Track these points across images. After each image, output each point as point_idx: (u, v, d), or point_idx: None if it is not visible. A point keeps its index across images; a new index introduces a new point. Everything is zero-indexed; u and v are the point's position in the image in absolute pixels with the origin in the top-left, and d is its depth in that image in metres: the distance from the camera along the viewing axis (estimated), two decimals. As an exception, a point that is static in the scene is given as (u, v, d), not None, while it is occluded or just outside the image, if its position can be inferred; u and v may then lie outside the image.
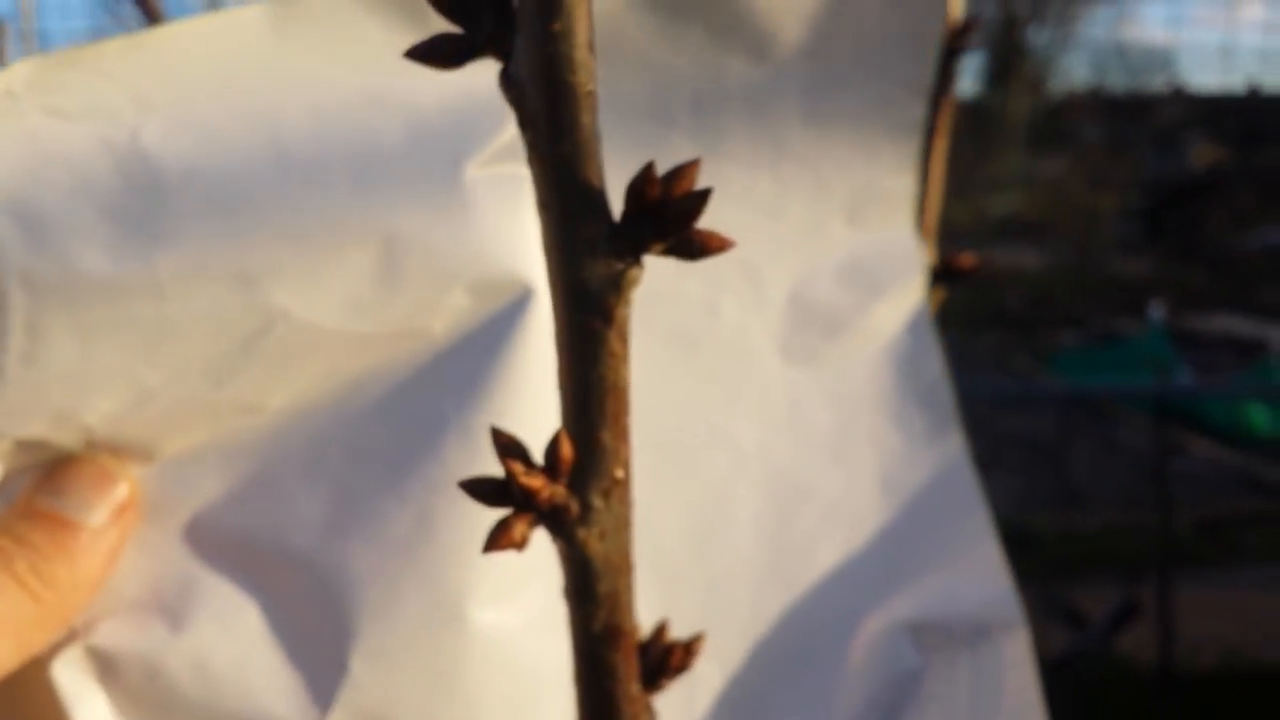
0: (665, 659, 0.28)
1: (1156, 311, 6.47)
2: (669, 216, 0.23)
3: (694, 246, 0.23)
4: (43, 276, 0.31)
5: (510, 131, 0.37)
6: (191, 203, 0.33)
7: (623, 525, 0.25)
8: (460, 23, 0.23)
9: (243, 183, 0.34)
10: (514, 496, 0.24)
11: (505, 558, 0.36)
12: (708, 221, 0.45)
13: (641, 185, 0.23)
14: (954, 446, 0.48)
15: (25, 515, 0.34)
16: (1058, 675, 2.88)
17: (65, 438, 0.34)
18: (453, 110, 0.36)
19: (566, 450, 0.24)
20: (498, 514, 0.37)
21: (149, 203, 0.33)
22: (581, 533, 0.25)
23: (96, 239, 0.32)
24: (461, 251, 0.36)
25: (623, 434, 0.25)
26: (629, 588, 0.26)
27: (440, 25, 0.36)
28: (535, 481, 0.23)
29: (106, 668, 0.35)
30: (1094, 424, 4.97)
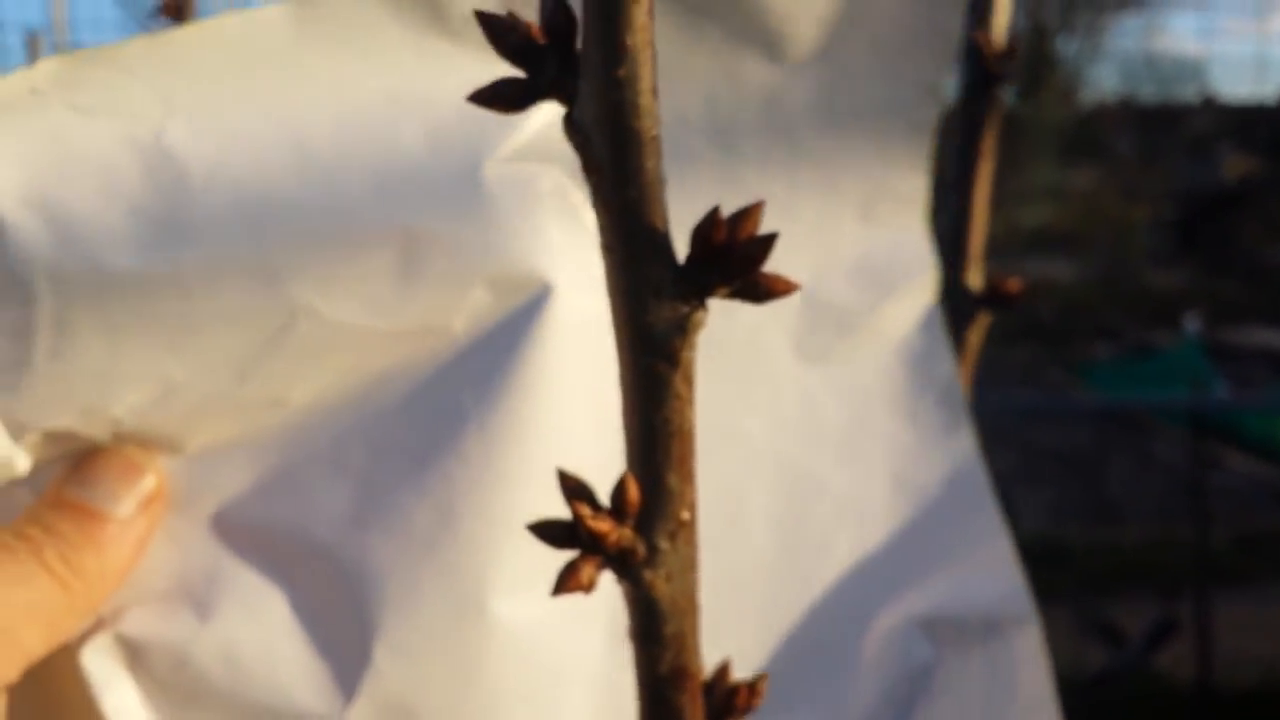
0: (730, 700, 0.28)
1: (1191, 324, 6.41)
2: (734, 260, 0.23)
3: (759, 290, 0.23)
4: (70, 273, 0.32)
5: (528, 129, 0.38)
6: (215, 200, 0.34)
7: (689, 567, 0.25)
8: (524, 67, 0.23)
9: (265, 181, 0.34)
10: (581, 539, 0.24)
11: (525, 546, 0.36)
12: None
13: (708, 229, 0.23)
14: (965, 444, 0.48)
15: (54, 505, 0.35)
16: (1095, 692, 2.85)
17: (93, 430, 0.34)
18: (471, 109, 0.37)
19: (633, 493, 0.24)
20: (519, 504, 0.37)
21: (173, 200, 0.33)
22: (648, 575, 0.25)
23: (122, 236, 0.33)
24: (481, 248, 0.36)
25: (688, 476, 0.25)
26: (695, 629, 0.26)
27: (462, 25, 0.37)
28: (603, 525, 0.23)
29: (135, 656, 0.35)
30: (1129, 438, 4.92)
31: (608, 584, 0.39)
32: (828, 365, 0.46)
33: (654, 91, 0.22)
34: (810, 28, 0.43)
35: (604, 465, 0.40)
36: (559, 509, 0.38)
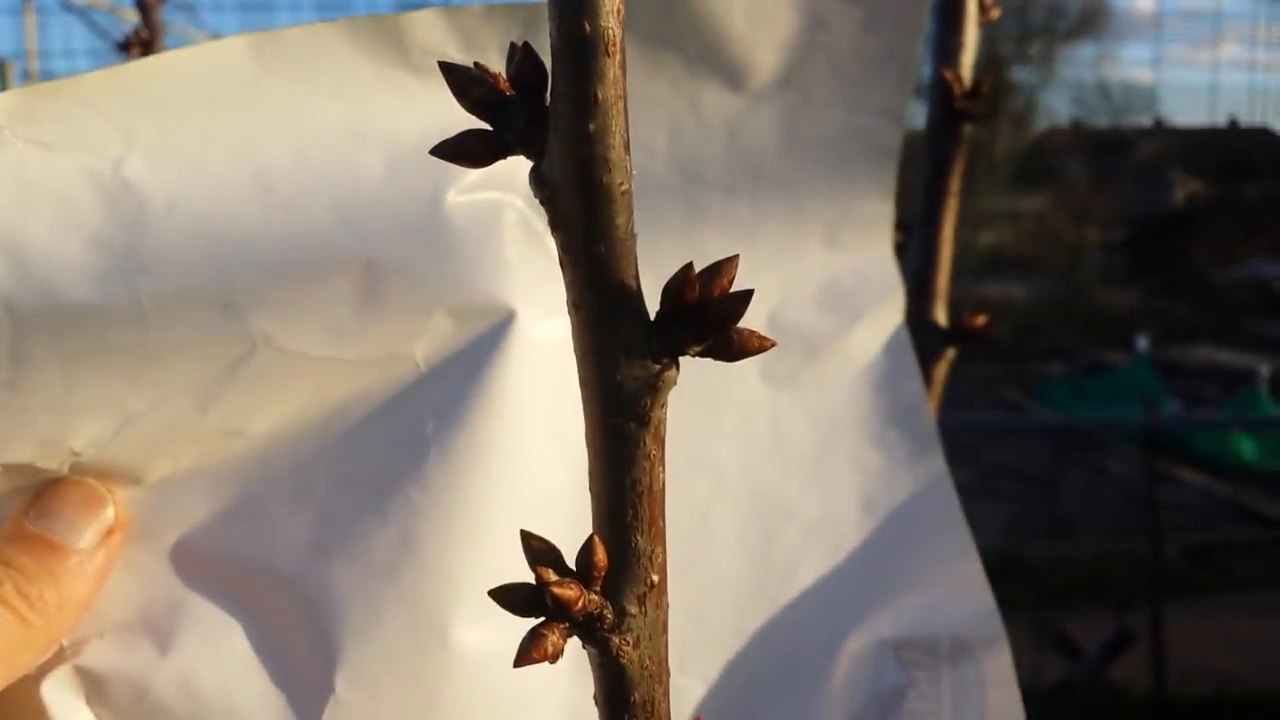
0: (699, 765, 0.27)
1: (1143, 343, 6.50)
2: (708, 318, 0.22)
3: (732, 348, 0.22)
4: (27, 304, 0.32)
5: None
6: (174, 231, 0.33)
7: (658, 631, 0.25)
8: (490, 120, 0.22)
9: (225, 211, 0.34)
10: (547, 607, 0.23)
11: (486, 575, 0.36)
12: (686, 246, 0.44)
13: (679, 286, 0.22)
14: (935, 465, 0.48)
15: (13, 538, 0.34)
16: (1052, 704, 2.87)
17: (51, 462, 0.34)
18: (433, 139, 0.37)
19: (600, 556, 0.23)
20: (481, 532, 0.37)
21: (132, 231, 0.33)
22: (616, 641, 0.24)
23: (80, 267, 0.32)
24: (442, 277, 0.36)
25: (658, 537, 0.24)
26: (665, 695, 0.25)
27: (422, 58, 0.37)
28: (569, 592, 0.22)
29: (95, 688, 0.35)
30: (1083, 454, 4.98)
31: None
32: (795, 390, 0.46)
33: (626, 146, 0.21)
34: (771, 56, 0.43)
35: (567, 495, 0.39)
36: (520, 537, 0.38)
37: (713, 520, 0.44)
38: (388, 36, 0.36)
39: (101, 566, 0.35)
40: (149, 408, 0.34)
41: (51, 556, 0.34)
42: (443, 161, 0.37)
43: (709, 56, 0.42)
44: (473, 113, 0.22)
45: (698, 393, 0.42)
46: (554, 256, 0.40)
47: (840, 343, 0.47)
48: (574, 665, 0.39)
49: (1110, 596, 3.43)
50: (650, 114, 0.42)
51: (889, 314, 0.48)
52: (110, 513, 0.35)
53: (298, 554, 0.36)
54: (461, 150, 0.22)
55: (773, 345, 0.23)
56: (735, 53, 0.42)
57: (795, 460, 0.46)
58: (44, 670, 0.35)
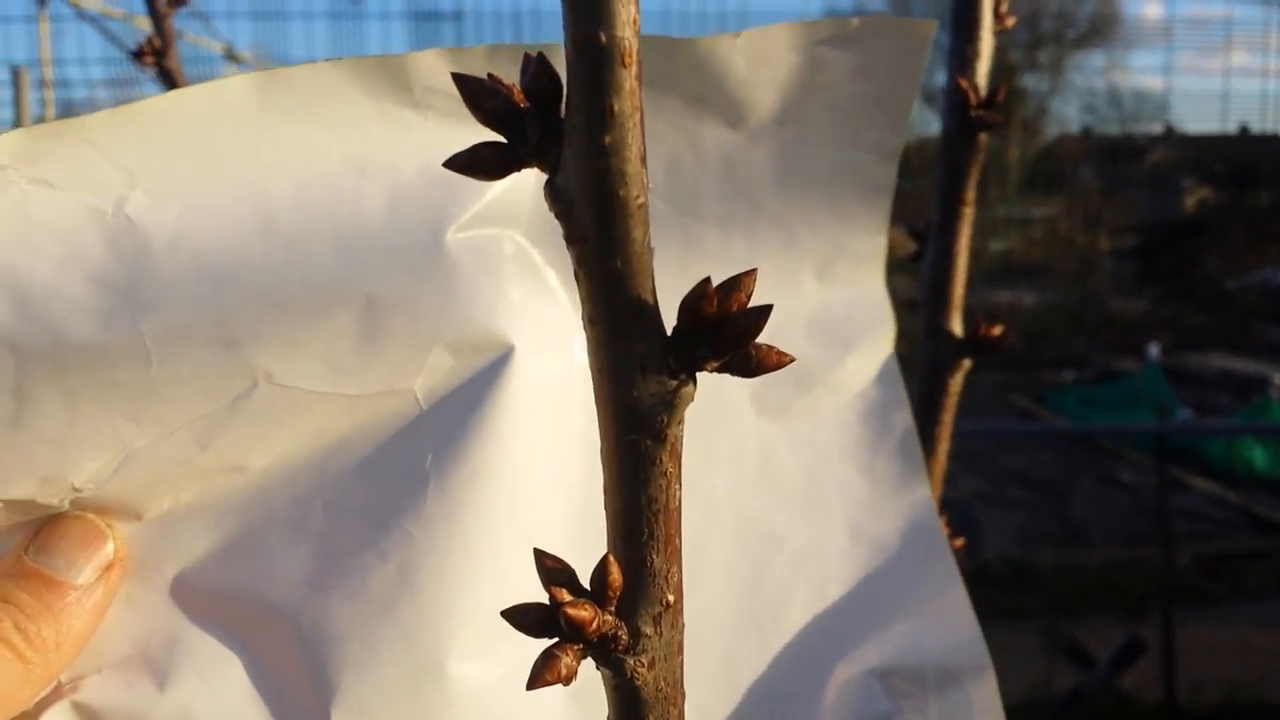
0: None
1: (1154, 350, 6.47)
2: (726, 334, 0.21)
3: (750, 363, 0.22)
4: (29, 342, 0.32)
5: (490, 194, 0.38)
6: (176, 269, 0.33)
7: (673, 652, 0.24)
8: (504, 133, 0.22)
9: (227, 248, 0.34)
10: (560, 627, 0.22)
11: (484, 609, 0.36)
12: (683, 279, 0.44)
13: (697, 300, 0.21)
14: (921, 494, 0.48)
15: (12, 575, 0.34)
16: (1063, 713, 2.85)
17: (52, 498, 0.34)
18: (434, 175, 0.37)
19: (615, 576, 0.23)
20: (479, 566, 0.37)
21: (135, 269, 0.33)
22: (630, 662, 0.23)
23: (83, 305, 0.32)
24: (443, 312, 0.37)
25: (674, 556, 0.23)
26: (680, 718, 0.25)
27: (424, 95, 0.37)
28: (584, 613, 0.22)
29: None
30: (1094, 462, 4.96)
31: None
32: (787, 420, 0.46)
33: (642, 158, 0.21)
34: (769, 96, 0.43)
35: (564, 529, 0.39)
36: (520, 571, 0.37)
37: (705, 549, 0.44)
38: (391, 76, 0.37)
39: (100, 602, 0.35)
40: (150, 443, 0.34)
41: (50, 592, 0.34)
42: (443, 197, 0.38)
43: (709, 96, 0.42)
44: (487, 125, 0.22)
45: (690, 421, 0.43)
46: (554, 291, 0.41)
47: (831, 374, 0.47)
48: (569, 696, 0.39)
49: (1121, 605, 3.41)
50: (649, 149, 0.43)
51: (880, 345, 0.48)
52: (110, 548, 0.35)
53: (296, 589, 0.36)
54: (476, 162, 0.22)
55: (791, 361, 0.22)
56: (735, 93, 0.43)
57: (785, 490, 0.46)
58: (42, 706, 0.35)
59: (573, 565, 0.39)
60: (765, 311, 0.21)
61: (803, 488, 0.46)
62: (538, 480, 0.39)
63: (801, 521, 0.46)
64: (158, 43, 0.79)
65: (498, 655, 0.37)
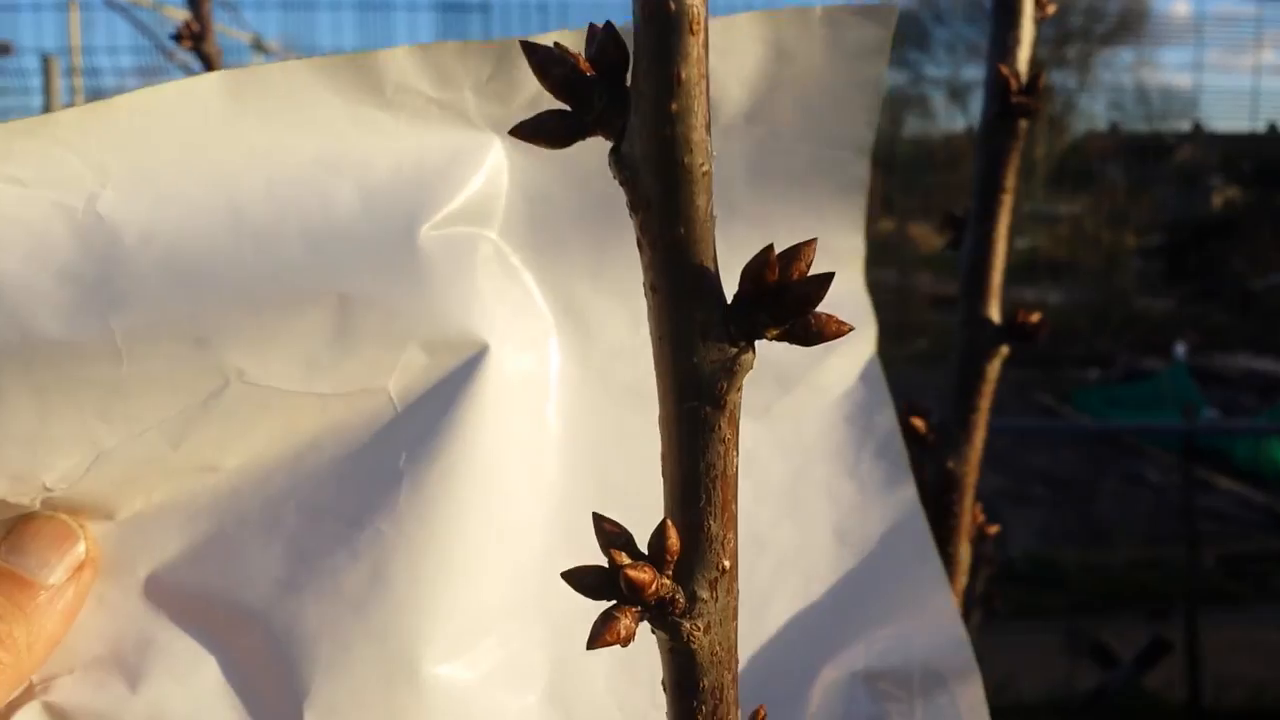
0: (766, 754, 0.27)
1: (1180, 350, 6.43)
2: (787, 301, 0.22)
3: (810, 332, 0.22)
4: (0, 339, 0.32)
5: (465, 193, 0.38)
6: (148, 267, 0.34)
7: (729, 617, 0.24)
8: (569, 101, 0.22)
9: (199, 247, 0.34)
10: (619, 589, 0.23)
11: (458, 609, 0.37)
12: None
13: (759, 267, 0.22)
14: (907, 495, 0.48)
15: None
16: (1087, 712, 2.84)
17: (23, 497, 0.34)
18: (406, 175, 0.37)
19: (674, 540, 0.23)
20: (453, 566, 0.37)
21: (105, 267, 0.33)
22: (687, 625, 0.24)
23: (53, 302, 0.33)
24: (416, 311, 0.37)
25: (730, 522, 0.24)
26: (734, 681, 0.25)
27: (396, 94, 0.37)
28: (643, 575, 0.22)
29: None
30: (1120, 461, 4.93)
31: (548, 642, 0.38)
32: (769, 420, 0.46)
33: (707, 127, 0.21)
34: (738, 90, 0.43)
35: (539, 527, 0.39)
36: (495, 570, 0.38)
37: None
38: (362, 73, 0.37)
39: (72, 603, 0.35)
40: (122, 442, 0.34)
41: (21, 593, 0.34)
42: (416, 195, 0.38)
43: None
44: (553, 93, 0.22)
45: None
46: (529, 291, 0.40)
47: (813, 374, 0.47)
48: (545, 701, 0.39)
49: (1145, 605, 3.40)
50: None
51: (861, 345, 0.48)
52: (81, 548, 0.35)
53: (268, 589, 0.36)
54: (540, 130, 0.22)
55: (850, 330, 0.23)
56: None
57: (769, 491, 0.46)
58: (13, 707, 0.35)
59: (545, 563, 0.39)
60: (826, 280, 0.22)
61: (786, 489, 0.46)
62: (513, 479, 0.39)
63: (785, 523, 0.46)
64: (195, 27, 0.80)
65: (472, 656, 0.38)
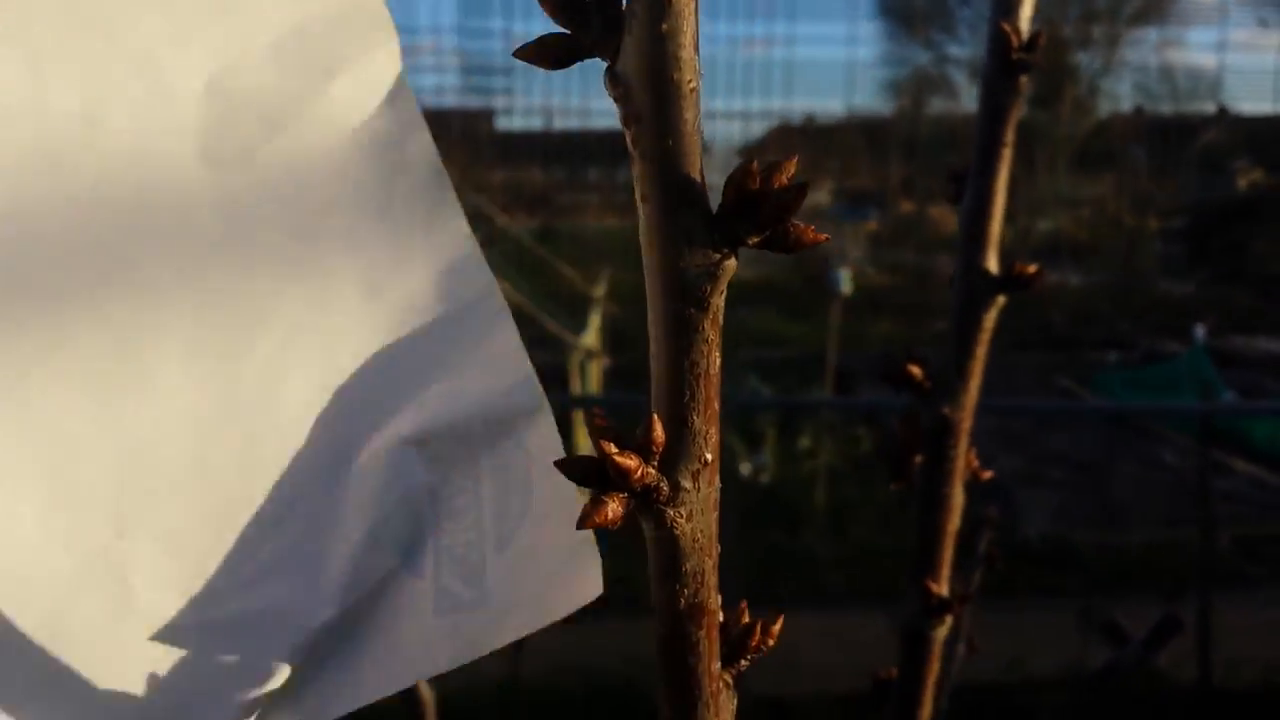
0: (745, 638, 0.29)
1: (1200, 333, 6.41)
2: (767, 208, 0.24)
3: (789, 240, 0.24)
4: None
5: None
6: None
7: (709, 507, 0.26)
8: (569, 25, 0.24)
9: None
10: (607, 476, 0.25)
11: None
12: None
13: (742, 178, 0.24)
14: (456, 232, 0.41)
15: None
16: (1098, 689, 2.86)
17: None
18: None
19: (658, 433, 0.25)
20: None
21: None
22: (670, 513, 0.26)
23: None
24: None
25: (713, 418, 0.26)
26: (714, 568, 0.27)
27: None
28: (630, 461, 0.24)
29: None
30: (1137, 443, 4.93)
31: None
32: (252, 168, 0.39)
33: (696, 46, 0.23)
34: None
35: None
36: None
37: (145, 344, 0.38)
38: None
39: None
40: None
41: None
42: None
43: None
44: (553, 17, 0.24)
45: (103, 194, 0.37)
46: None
47: (313, 107, 0.39)
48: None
49: (1160, 586, 3.41)
50: None
51: (382, 65, 0.40)
52: None
53: None
54: (543, 52, 0.24)
55: (826, 239, 0.24)
56: None
57: (260, 257, 0.39)
58: None
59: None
60: (803, 189, 0.24)
61: (289, 246, 0.39)
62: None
63: (291, 288, 0.40)
64: None
65: None
